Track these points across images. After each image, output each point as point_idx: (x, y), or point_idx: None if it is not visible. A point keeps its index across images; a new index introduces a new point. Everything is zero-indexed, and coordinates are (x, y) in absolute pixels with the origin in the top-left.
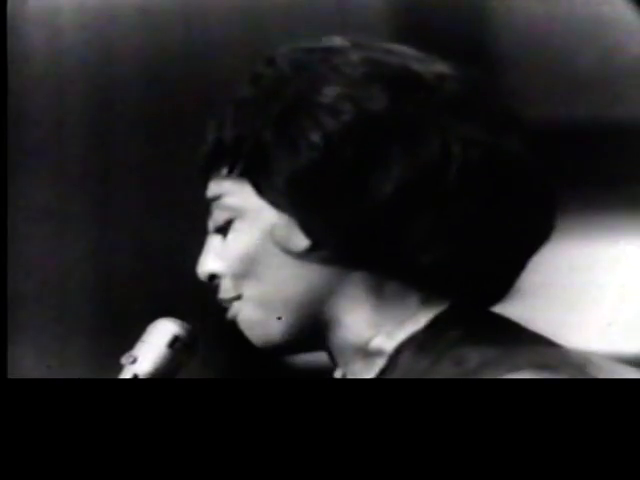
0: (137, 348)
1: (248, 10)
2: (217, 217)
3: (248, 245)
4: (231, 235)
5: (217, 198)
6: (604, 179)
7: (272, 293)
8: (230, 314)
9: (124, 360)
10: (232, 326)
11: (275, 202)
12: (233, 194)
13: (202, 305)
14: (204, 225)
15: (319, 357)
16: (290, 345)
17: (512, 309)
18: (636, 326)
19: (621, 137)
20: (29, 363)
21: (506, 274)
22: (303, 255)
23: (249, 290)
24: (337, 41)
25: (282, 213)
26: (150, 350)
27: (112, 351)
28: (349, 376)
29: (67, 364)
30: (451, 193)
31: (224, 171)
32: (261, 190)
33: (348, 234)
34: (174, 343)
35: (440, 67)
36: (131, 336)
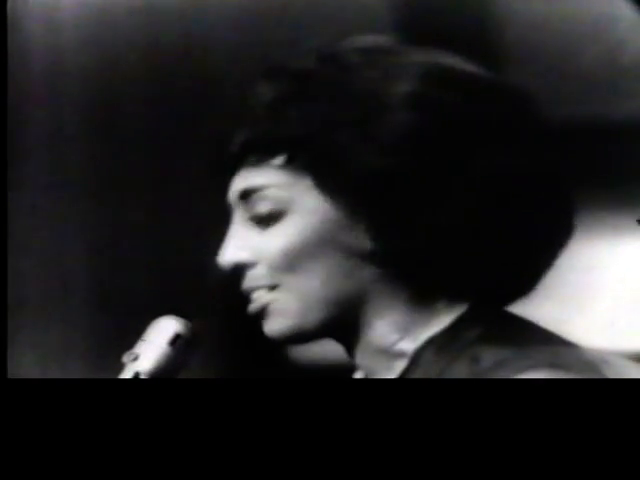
0: (138, 346)
1: (248, 10)
2: (258, 207)
3: (298, 238)
4: (278, 226)
5: (262, 189)
6: (604, 178)
7: (316, 287)
8: (258, 303)
9: (125, 358)
10: (253, 317)
11: (344, 202)
12: (285, 187)
13: (203, 304)
14: (204, 226)
15: (319, 357)
16: (315, 337)
17: (513, 308)
18: (636, 325)
19: (622, 136)
20: (29, 363)
21: (527, 273)
22: (363, 256)
23: (291, 282)
24: (385, 40)
25: (345, 213)
26: (151, 348)
27: (112, 351)
28: (371, 376)
29: (67, 364)
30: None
31: (276, 161)
32: (328, 187)
33: (417, 241)
34: (175, 341)
35: (485, 72)
36: (131, 336)
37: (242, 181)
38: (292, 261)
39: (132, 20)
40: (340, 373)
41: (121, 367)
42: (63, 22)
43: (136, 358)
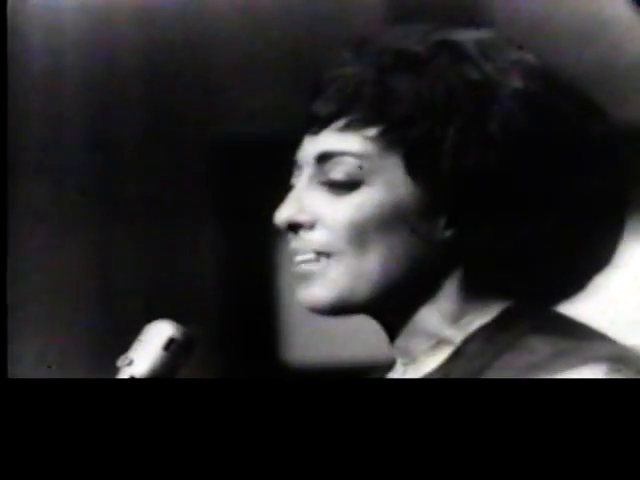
0: (133, 350)
1: (248, 10)
2: (335, 172)
3: (369, 212)
4: (352, 195)
5: (344, 154)
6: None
7: (373, 265)
8: (305, 268)
9: (120, 362)
10: (297, 276)
11: (429, 188)
12: (371, 158)
13: (201, 307)
14: (204, 226)
15: (316, 358)
16: (356, 312)
17: None
18: (636, 325)
19: (621, 137)
20: (29, 363)
21: (577, 279)
22: (430, 245)
23: (348, 254)
24: (494, 35)
25: (426, 199)
26: (146, 352)
27: (112, 351)
28: (411, 363)
29: (67, 364)
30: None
31: (368, 132)
32: (417, 171)
33: (491, 240)
34: (170, 345)
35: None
36: (131, 336)
37: (323, 143)
38: (356, 233)
39: (131, 22)
40: (337, 375)
41: (117, 370)
42: (62, 24)
43: (131, 362)
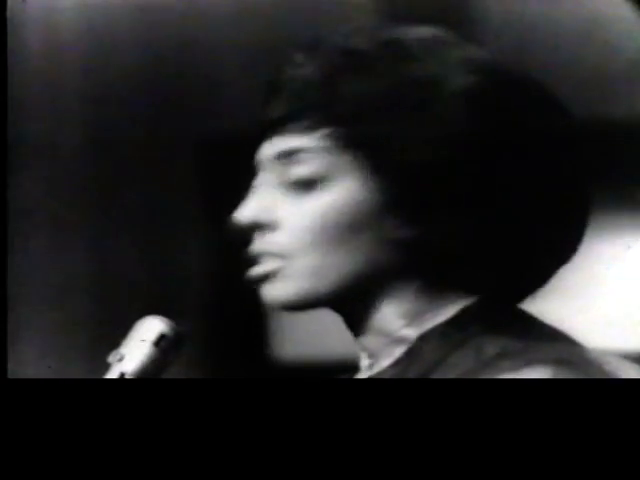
0: (124, 346)
1: (248, 9)
2: (296, 170)
3: (330, 213)
4: (312, 195)
5: (304, 151)
6: (603, 179)
7: (334, 263)
8: (265, 267)
9: (111, 358)
10: (253, 282)
11: (383, 186)
12: (328, 156)
13: (189, 305)
14: (203, 227)
15: (305, 355)
16: (319, 306)
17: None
18: (636, 324)
19: (621, 137)
20: (29, 363)
21: (537, 274)
22: (388, 242)
23: (308, 253)
24: (440, 32)
25: (381, 197)
26: (136, 348)
27: (112, 350)
28: (375, 362)
29: (67, 364)
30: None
31: (320, 132)
32: (369, 169)
33: (446, 235)
34: (160, 341)
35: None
36: None
37: (281, 143)
38: (317, 235)
39: (131, 21)
40: (326, 373)
41: (108, 366)
42: (62, 24)
43: (121, 358)
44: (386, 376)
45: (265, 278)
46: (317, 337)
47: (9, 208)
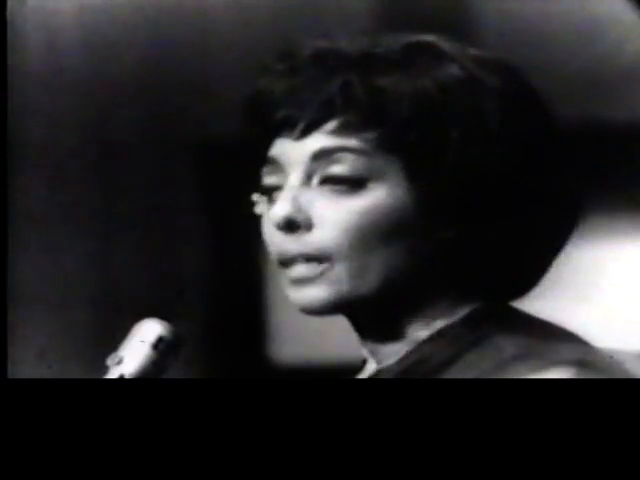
0: (122, 349)
1: (248, 9)
2: (335, 168)
3: (372, 216)
4: (351, 197)
5: (344, 150)
6: (604, 180)
7: (375, 269)
8: (304, 271)
9: (110, 361)
10: (291, 282)
11: (428, 190)
12: (370, 156)
13: (188, 307)
14: (201, 228)
15: (303, 356)
16: (350, 310)
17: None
18: (636, 324)
19: (620, 137)
20: (29, 363)
21: (529, 272)
22: (425, 244)
23: (350, 257)
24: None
25: (424, 200)
26: (135, 351)
27: (112, 351)
28: (380, 362)
29: (67, 364)
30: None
31: (366, 134)
32: (418, 174)
33: (489, 234)
34: (159, 344)
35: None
36: None
37: (320, 141)
38: (357, 238)
39: (131, 21)
40: (325, 374)
41: (107, 368)
42: (62, 24)
43: (120, 361)
44: (391, 375)
45: (303, 281)
46: (317, 338)
47: (9, 208)
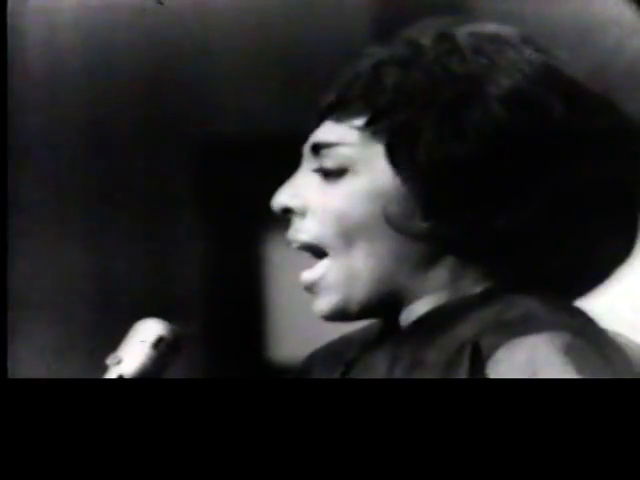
0: (122, 349)
1: (248, 13)
2: (325, 162)
3: (357, 201)
4: (339, 183)
5: (332, 145)
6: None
7: (363, 262)
8: (311, 276)
9: (109, 361)
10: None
11: (409, 177)
12: (356, 147)
13: (188, 307)
14: (201, 228)
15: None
16: (361, 315)
17: None
18: (636, 324)
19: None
20: (29, 363)
21: (584, 269)
22: (410, 236)
23: (339, 249)
24: (505, 31)
25: (406, 188)
26: (135, 351)
27: (112, 351)
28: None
29: (67, 364)
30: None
31: (356, 122)
32: (398, 161)
33: (477, 229)
34: (159, 344)
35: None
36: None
37: (318, 135)
38: (344, 225)
39: (131, 21)
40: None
41: (107, 368)
42: (62, 24)
43: (120, 361)
44: (388, 346)
45: (310, 290)
46: (317, 338)
47: (9, 207)
